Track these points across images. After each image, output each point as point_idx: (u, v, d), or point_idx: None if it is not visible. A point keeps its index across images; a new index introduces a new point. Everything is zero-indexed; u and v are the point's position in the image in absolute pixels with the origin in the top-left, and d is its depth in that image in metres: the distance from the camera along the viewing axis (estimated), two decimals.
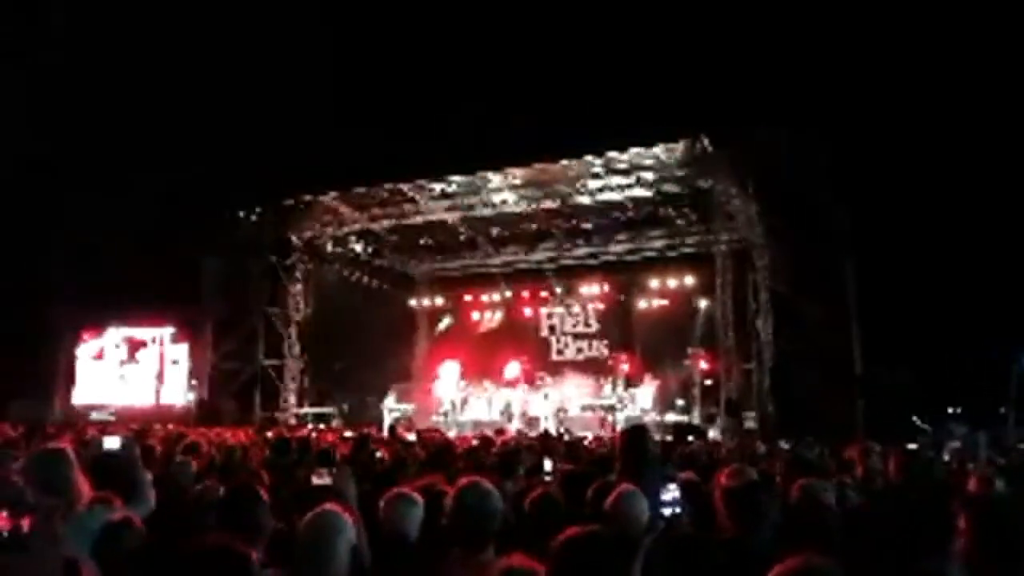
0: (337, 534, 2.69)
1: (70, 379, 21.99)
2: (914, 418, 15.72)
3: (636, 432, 4.34)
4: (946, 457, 9.52)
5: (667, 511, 2.92)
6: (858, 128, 16.12)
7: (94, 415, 20.27)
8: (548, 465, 5.59)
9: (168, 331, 22.13)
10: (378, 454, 6.95)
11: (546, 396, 20.59)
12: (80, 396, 21.86)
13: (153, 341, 22.25)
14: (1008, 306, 15.85)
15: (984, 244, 16.64)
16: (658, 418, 18.97)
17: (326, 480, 4.15)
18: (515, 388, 20.86)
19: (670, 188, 18.10)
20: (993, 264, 16.47)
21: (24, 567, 2.04)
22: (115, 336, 22.37)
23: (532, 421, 19.25)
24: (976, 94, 16.44)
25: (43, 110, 19.06)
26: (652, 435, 5.50)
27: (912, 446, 10.18)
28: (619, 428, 17.76)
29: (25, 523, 2.04)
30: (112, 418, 19.30)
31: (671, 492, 2.94)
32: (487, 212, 19.84)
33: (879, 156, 16.61)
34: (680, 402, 19.89)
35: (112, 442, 3.73)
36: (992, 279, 16.36)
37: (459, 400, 21.03)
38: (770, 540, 3.16)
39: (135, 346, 22.31)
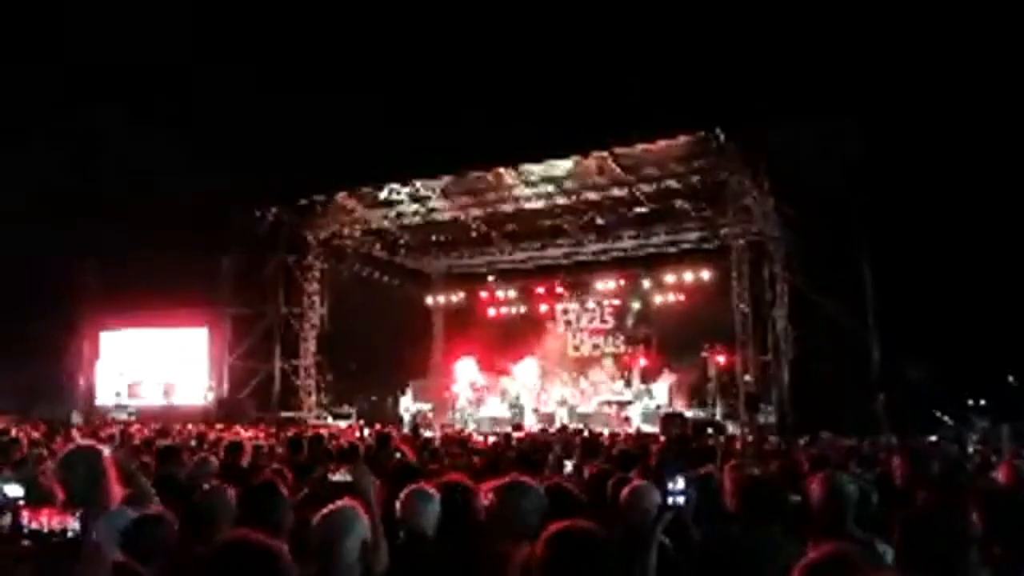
0: (347, 531, 2.70)
1: (92, 379, 22.26)
2: (935, 411, 15.59)
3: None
4: (969, 450, 9.46)
5: (671, 501, 2.96)
6: (874, 118, 15.95)
7: (116, 414, 20.51)
8: (568, 465, 5.59)
9: (187, 330, 22.34)
10: (397, 454, 6.97)
11: (563, 389, 20.60)
12: (102, 396, 22.12)
13: (172, 340, 22.47)
14: None
15: (1005, 234, 16.43)
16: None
17: (345, 477, 4.18)
18: (530, 386, 20.88)
19: (685, 182, 18.01)
20: (1014, 255, 16.26)
21: (79, 567, 2.05)
22: (136, 335, 22.61)
23: (546, 417, 19.26)
24: (1003, 85, 16.21)
25: (56, 104, 19.28)
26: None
27: (932, 438, 10.11)
28: (635, 424, 17.76)
29: (74, 521, 2.05)
30: (133, 417, 19.52)
31: (679, 483, 2.98)
32: (502, 208, 19.84)
33: (896, 145, 16.43)
34: (697, 397, 19.83)
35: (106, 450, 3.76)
36: (1013, 270, 16.16)
37: (476, 397, 21.08)
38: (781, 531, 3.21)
39: (155, 345, 22.54)
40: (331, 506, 2.85)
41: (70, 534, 1.98)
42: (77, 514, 1.98)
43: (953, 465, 5.81)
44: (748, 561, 3.09)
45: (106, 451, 3.17)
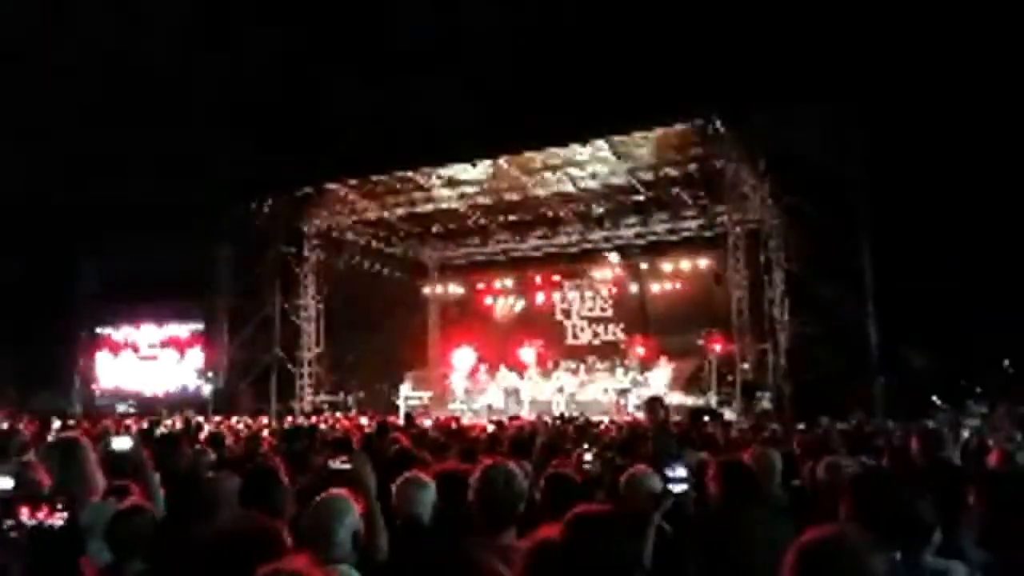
0: (337, 520, 2.70)
1: (90, 370, 22.24)
2: (933, 397, 15.63)
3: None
4: (965, 435, 9.48)
5: (673, 488, 2.97)
6: (873, 104, 15.92)
7: (115, 406, 20.52)
8: (588, 456, 5.55)
9: (184, 322, 22.32)
10: (394, 447, 6.95)
11: (561, 377, 20.62)
12: (100, 387, 22.11)
13: (170, 331, 22.45)
14: None
15: (1005, 220, 16.44)
16: (673, 400, 18.94)
17: (344, 465, 4.18)
18: (527, 375, 20.87)
19: (681, 169, 17.99)
20: (1014, 241, 16.28)
21: (59, 560, 2.04)
22: (133, 327, 22.59)
23: (544, 406, 19.25)
24: (1004, 72, 16.16)
25: (58, 104, 19.18)
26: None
27: (930, 424, 10.13)
28: (632, 411, 17.78)
29: (61, 514, 2.03)
30: (132, 409, 19.53)
31: (678, 470, 2.99)
32: (498, 198, 19.80)
33: (895, 132, 16.41)
34: (695, 384, 19.85)
35: (122, 442, 3.76)
36: (1012, 256, 16.18)
37: (473, 387, 21.10)
38: (758, 515, 3.22)
39: (153, 337, 22.52)
40: (323, 494, 2.84)
41: (58, 525, 1.97)
42: (63, 505, 1.97)
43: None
44: (731, 544, 3.10)
45: (126, 442, 3.16)
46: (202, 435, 7.98)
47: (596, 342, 22.95)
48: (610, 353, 21.73)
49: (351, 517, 2.73)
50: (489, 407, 19.74)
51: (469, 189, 19.66)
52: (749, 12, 16.91)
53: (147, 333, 22.52)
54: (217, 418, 15.36)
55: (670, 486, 3.03)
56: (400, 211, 20.74)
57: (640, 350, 20.67)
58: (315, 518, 2.72)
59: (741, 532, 3.13)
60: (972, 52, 16.37)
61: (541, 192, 19.39)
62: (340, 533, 2.66)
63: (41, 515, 2.02)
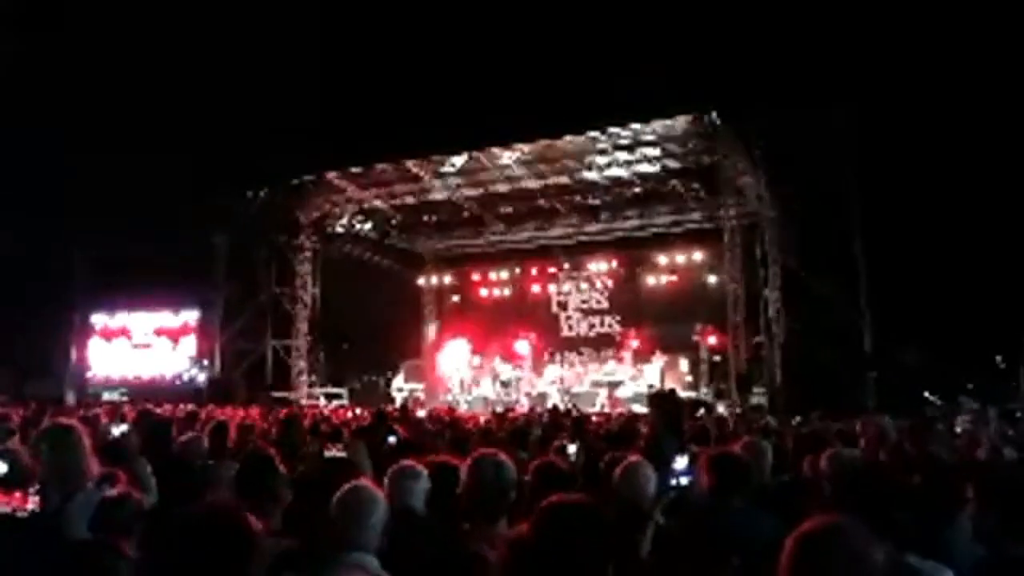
0: (370, 509, 2.68)
1: (83, 358, 22.17)
2: (925, 393, 15.71)
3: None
4: (957, 430, 9.53)
5: (675, 481, 2.96)
6: (870, 100, 15.94)
7: (106, 394, 20.46)
8: (572, 448, 5.56)
9: (179, 310, 22.23)
10: (391, 439, 6.94)
11: (555, 369, 20.64)
12: (93, 375, 22.04)
13: (164, 319, 22.37)
14: (1021, 279, 15.74)
15: (997, 216, 16.49)
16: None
17: (339, 453, 4.18)
18: (522, 367, 20.88)
19: (678, 163, 17.98)
20: (1006, 237, 16.33)
21: (31, 547, 2.02)
22: (127, 315, 22.51)
23: (539, 398, 19.29)
24: (997, 69, 16.18)
25: (57, 88, 19.05)
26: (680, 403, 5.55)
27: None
28: (628, 404, 17.83)
29: (33, 502, 2.02)
30: (124, 397, 19.48)
31: (681, 463, 2.97)
32: (494, 189, 19.77)
33: (891, 128, 16.44)
34: (689, 377, 19.90)
35: (117, 429, 3.76)
36: (1004, 253, 16.24)
37: (468, 378, 21.10)
38: (747, 507, 3.22)
39: (147, 325, 22.44)
40: (353, 483, 2.82)
41: (28, 512, 1.96)
42: (34, 491, 1.96)
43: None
44: (716, 534, 3.10)
45: (79, 428, 3.15)
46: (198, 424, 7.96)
47: (591, 334, 22.96)
48: (605, 345, 21.76)
49: (382, 508, 2.72)
50: (484, 399, 19.76)
51: (465, 180, 19.61)
52: (749, 7, 16.89)
53: (141, 320, 22.43)
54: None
55: (673, 480, 3.02)
56: (396, 201, 20.70)
57: (635, 343, 20.70)
58: (347, 506, 2.70)
59: (730, 523, 3.13)
60: (965, 49, 16.39)
61: (537, 184, 19.35)
62: (371, 521, 2.65)
63: (15, 501, 2.01)
